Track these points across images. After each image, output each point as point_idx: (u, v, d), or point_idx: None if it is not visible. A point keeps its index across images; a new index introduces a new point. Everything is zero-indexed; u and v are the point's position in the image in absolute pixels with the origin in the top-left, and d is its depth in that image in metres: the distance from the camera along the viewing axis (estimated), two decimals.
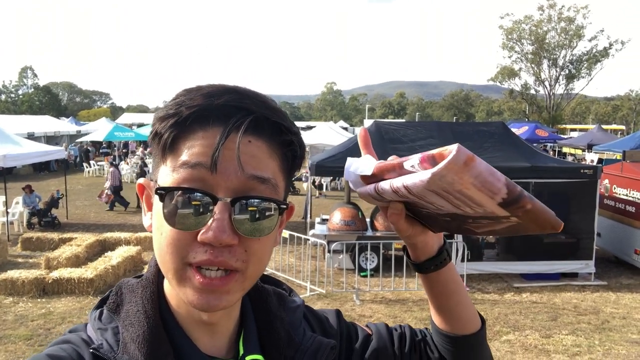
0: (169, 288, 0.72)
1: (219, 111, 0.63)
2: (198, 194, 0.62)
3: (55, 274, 8.17)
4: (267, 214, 0.65)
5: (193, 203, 0.62)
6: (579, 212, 9.44)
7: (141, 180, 0.72)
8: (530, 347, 6.50)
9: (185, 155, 0.63)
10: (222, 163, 0.62)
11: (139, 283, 0.74)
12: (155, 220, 0.67)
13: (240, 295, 0.69)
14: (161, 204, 0.64)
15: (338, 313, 0.96)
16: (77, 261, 9.22)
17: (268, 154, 0.66)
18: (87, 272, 8.25)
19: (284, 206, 0.67)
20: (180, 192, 0.62)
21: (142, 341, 0.66)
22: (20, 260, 10.05)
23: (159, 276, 0.74)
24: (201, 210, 0.62)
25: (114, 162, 15.32)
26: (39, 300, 7.83)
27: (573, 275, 9.31)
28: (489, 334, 6.71)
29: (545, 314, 7.69)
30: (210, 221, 0.61)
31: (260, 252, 0.66)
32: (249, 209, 0.63)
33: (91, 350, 0.67)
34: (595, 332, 7.02)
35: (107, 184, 15.24)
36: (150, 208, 0.70)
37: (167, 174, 0.65)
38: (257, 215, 0.64)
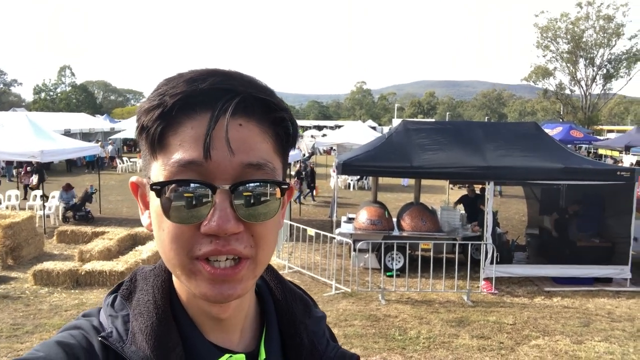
0: (177, 280, 0.71)
1: (205, 96, 0.61)
2: (195, 185, 0.60)
3: (88, 267, 8.43)
4: (269, 197, 0.63)
5: (191, 195, 0.60)
6: (615, 216, 9.15)
7: (133, 179, 0.70)
8: (561, 353, 6.33)
9: (177, 154, 0.61)
10: (215, 151, 0.60)
11: (152, 271, 0.74)
12: (154, 218, 0.64)
13: (253, 283, 0.67)
14: (158, 200, 0.61)
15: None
16: (109, 254, 9.47)
17: (261, 136, 0.63)
18: (118, 265, 8.48)
19: (285, 186, 0.65)
20: (176, 185, 0.60)
21: (150, 332, 0.66)
22: (55, 252, 10.41)
23: None
24: (201, 201, 0.60)
25: None
26: (72, 291, 8.08)
27: (607, 281, 9.04)
28: (517, 337, 6.50)
29: (577, 319, 7.47)
30: (212, 211, 0.60)
31: (267, 236, 0.64)
32: (250, 194, 0.61)
33: (100, 339, 0.67)
34: (630, 339, 6.78)
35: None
36: (146, 206, 0.68)
37: (159, 170, 0.62)
38: (259, 200, 0.62)
